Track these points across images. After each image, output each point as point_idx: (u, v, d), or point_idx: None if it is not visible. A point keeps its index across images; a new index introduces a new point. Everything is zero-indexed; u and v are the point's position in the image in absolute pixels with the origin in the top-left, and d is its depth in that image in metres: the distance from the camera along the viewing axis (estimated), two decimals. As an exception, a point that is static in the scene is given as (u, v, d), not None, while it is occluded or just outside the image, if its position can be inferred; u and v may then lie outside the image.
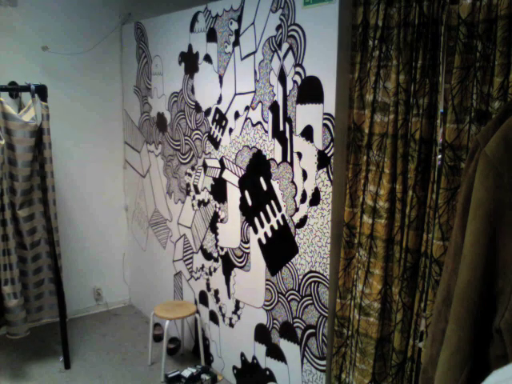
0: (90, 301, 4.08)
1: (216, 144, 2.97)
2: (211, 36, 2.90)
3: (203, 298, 3.26)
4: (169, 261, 3.61)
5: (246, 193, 2.77)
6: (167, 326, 3.16)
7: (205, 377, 3.06)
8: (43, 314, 3.27)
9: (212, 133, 3.00)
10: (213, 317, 3.19)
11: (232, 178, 2.86)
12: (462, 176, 1.70)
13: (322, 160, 2.28)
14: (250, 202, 2.75)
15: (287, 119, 2.45)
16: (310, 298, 2.44)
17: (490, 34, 1.68)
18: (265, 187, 2.63)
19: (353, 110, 2.18)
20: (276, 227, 2.59)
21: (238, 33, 2.69)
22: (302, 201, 2.41)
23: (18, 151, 2.95)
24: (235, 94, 2.77)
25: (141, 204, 3.94)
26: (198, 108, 3.10)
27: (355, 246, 2.27)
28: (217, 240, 3.06)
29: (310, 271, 2.42)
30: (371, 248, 2.15)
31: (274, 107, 2.52)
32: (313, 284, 2.41)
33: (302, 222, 2.43)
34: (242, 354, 2.96)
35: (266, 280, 2.70)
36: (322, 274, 2.35)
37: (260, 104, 2.60)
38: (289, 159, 2.46)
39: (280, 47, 2.43)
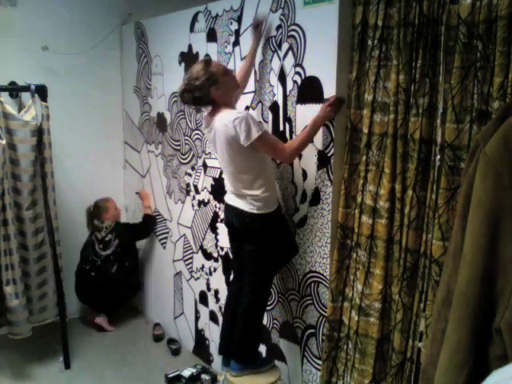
0: (90, 301, 4.07)
1: (216, 144, 2.97)
2: (211, 36, 2.90)
3: (203, 298, 3.26)
4: (169, 261, 3.61)
5: (246, 193, 2.76)
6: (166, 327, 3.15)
7: (205, 377, 3.06)
8: (47, 315, 3.25)
9: (212, 133, 2.99)
10: (213, 317, 3.19)
11: (232, 178, 2.86)
12: (461, 176, 1.70)
13: (322, 160, 2.28)
14: (249, 202, 2.75)
15: (287, 119, 2.45)
16: (309, 298, 2.44)
17: (490, 34, 1.68)
18: (265, 187, 2.62)
19: (350, 110, 2.18)
20: (276, 227, 2.58)
21: (238, 33, 2.69)
22: (302, 201, 2.41)
23: (21, 151, 2.94)
24: (235, 94, 2.76)
25: (141, 204, 3.94)
26: (198, 108, 3.10)
27: (348, 246, 2.26)
28: (217, 240, 3.06)
29: (310, 271, 2.42)
30: (371, 248, 2.15)
31: (273, 107, 2.52)
32: (313, 284, 2.41)
33: (302, 221, 2.43)
34: (242, 354, 2.96)
35: (266, 280, 2.69)
36: (322, 274, 2.35)
37: (260, 104, 2.60)
38: (289, 159, 2.46)
39: (280, 47, 2.43)
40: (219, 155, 2.34)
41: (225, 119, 2.18)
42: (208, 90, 2.20)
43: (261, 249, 2.33)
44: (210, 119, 2.32)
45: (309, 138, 2.21)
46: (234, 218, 2.39)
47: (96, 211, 3.77)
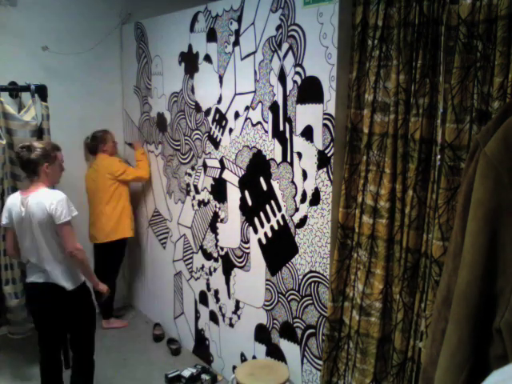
0: (90, 301, 4.07)
1: (216, 144, 2.97)
2: (211, 36, 2.90)
3: (203, 298, 3.26)
4: (169, 261, 3.61)
5: (246, 193, 2.77)
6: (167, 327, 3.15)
7: (205, 377, 3.06)
8: None
9: (212, 133, 3.00)
10: (213, 317, 3.19)
11: (232, 178, 2.86)
12: (462, 176, 1.70)
13: (322, 160, 2.28)
14: (249, 202, 2.75)
15: (287, 119, 2.45)
16: (309, 298, 2.44)
17: (490, 34, 1.68)
18: (265, 187, 2.63)
19: (350, 110, 2.18)
20: (276, 227, 2.59)
21: (238, 33, 2.69)
22: (302, 201, 2.41)
23: None
24: (235, 94, 2.77)
25: (141, 204, 3.94)
26: (198, 108, 3.10)
27: (348, 246, 2.26)
28: (217, 240, 3.06)
29: (310, 271, 2.42)
30: (372, 248, 2.15)
31: (274, 107, 2.52)
32: (313, 284, 2.41)
33: (302, 222, 2.43)
34: (242, 354, 2.96)
35: (266, 280, 2.70)
36: (322, 274, 2.35)
37: (260, 104, 2.60)
38: (289, 159, 2.46)
39: (280, 47, 2.43)
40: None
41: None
42: (43, 163, 2.40)
43: None
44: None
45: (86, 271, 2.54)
46: None
47: (94, 142, 3.71)
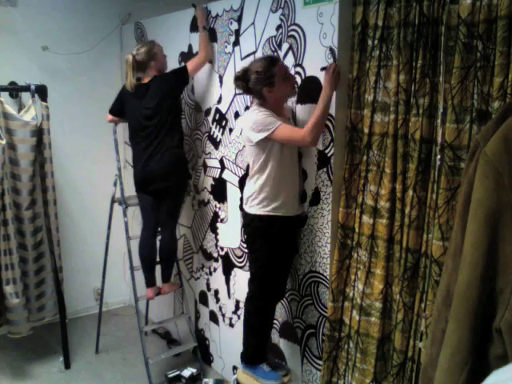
0: (90, 301, 4.07)
1: (216, 144, 2.97)
2: (211, 36, 2.90)
3: (203, 298, 3.26)
4: (169, 261, 3.60)
5: (246, 193, 2.76)
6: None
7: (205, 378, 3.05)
8: (46, 313, 3.27)
9: (212, 133, 3.00)
10: (213, 317, 3.19)
11: (232, 178, 2.86)
12: (462, 176, 1.70)
13: (322, 160, 2.28)
14: (250, 202, 2.75)
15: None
16: (309, 298, 2.44)
17: (490, 34, 1.68)
18: (265, 187, 2.62)
19: (350, 110, 2.18)
20: (276, 227, 2.58)
21: (238, 33, 2.69)
22: (302, 201, 2.41)
23: (20, 151, 2.95)
24: (235, 94, 2.77)
25: (141, 204, 3.93)
26: (197, 108, 3.10)
27: (348, 246, 2.26)
28: (217, 240, 3.06)
29: (310, 271, 2.42)
30: (372, 248, 2.15)
31: (274, 107, 2.51)
32: (313, 284, 2.41)
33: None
34: (242, 354, 2.96)
35: (266, 280, 2.69)
36: (322, 274, 2.35)
37: (260, 104, 2.59)
38: (289, 159, 2.46)
39: (280, 47, 2.43)
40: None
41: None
42: (261, 87, 2.23)
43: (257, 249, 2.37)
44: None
45: (323, 113, 2.12)
46: None
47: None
